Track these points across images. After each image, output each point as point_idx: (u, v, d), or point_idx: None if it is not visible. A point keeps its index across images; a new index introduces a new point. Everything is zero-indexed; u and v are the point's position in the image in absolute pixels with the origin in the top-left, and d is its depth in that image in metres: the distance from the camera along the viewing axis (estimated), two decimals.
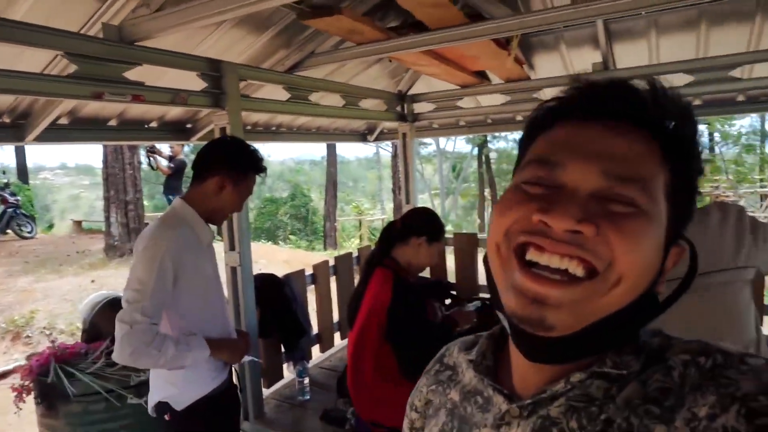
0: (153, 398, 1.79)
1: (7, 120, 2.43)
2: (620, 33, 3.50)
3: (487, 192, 22.37)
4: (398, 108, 4.34)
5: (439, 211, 4.35)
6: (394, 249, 2.06)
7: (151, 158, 7.65)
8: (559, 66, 3.94)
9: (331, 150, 17.25)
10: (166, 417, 1.73)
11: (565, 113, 0.54)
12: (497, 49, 2.96)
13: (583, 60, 3.72)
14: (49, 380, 2.15)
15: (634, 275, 0.48)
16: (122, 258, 8.15)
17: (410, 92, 4.41)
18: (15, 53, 1.99)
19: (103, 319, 2.40)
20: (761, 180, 15.92)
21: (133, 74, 2.12)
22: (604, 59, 3.49)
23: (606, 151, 0.50)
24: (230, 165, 1.84)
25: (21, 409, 2.28)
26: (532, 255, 0.49)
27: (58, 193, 33.35)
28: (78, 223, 12.56)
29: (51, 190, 33.16)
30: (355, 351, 1.96)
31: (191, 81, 2.57)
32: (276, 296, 2.79)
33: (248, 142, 2.00)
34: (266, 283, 2.76)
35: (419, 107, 4.42)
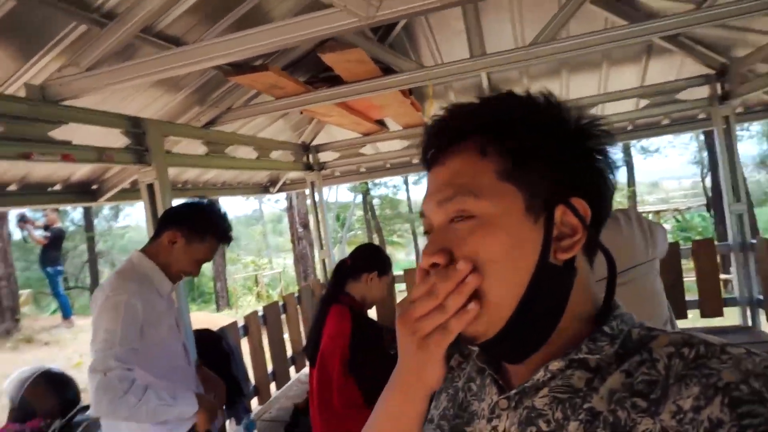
0: None
1: None
2: (499, 81, 4.02)
3: (375, 237, 22.93)
4: (304, 158, 4.49)
5: (329, 261, 4.51)
6: (346, 286, 2.16)
7: (24, 229, 6.92)
8: None
9: None
10: None
11: (426, 165, 0.64)
12: (402, 99, 3.27)
13: None
14: None
15: (495, 285, 0.54)
16: None
17: (314, 143, 4.59)
18: None
19: (35, 395, 2.16)
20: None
21: (57, 133, 2.06)
22: None
23: (436, 185, 0.59)
24: (185, 222, 1.83)
25: None
26: None
27: None
28: None
29: None
30: (319, 386, 2.00)
31: (107, 139, 2.53)
32: (214, 352, 2.72)
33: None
34: (203, 339, 2.68)
35: (324, 156, 4.61)
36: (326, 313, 2.09)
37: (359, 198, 23.77)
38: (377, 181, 24.75)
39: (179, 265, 1.84)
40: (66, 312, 8.10)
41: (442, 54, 3.66)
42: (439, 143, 0.61)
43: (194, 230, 1.82)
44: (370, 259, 2.20)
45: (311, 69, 3.31)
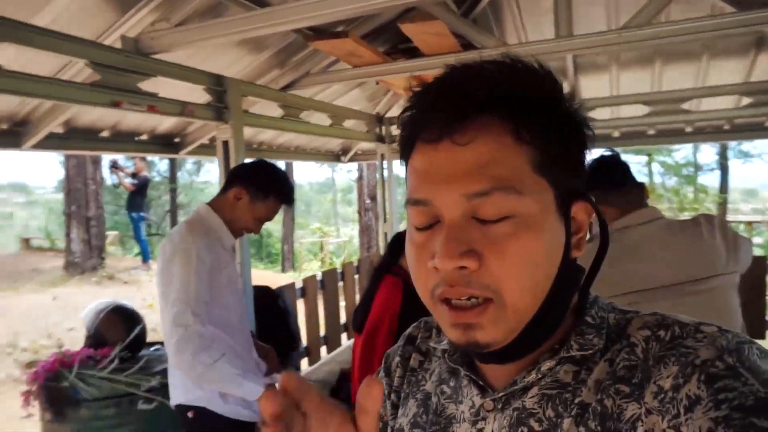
0: (176, 399, 1.82)
1: (4, 126, 2.42)
2: (586, 66, 3.83)
3: None
4: (377, 129, 4.50)
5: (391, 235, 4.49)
6: (401, 258, 2.17)
7: (114, 174, 7.48)
8: None
9: (289, 172, 17.26)
10: (189, 415, 1.76)
11: (414, 134, 0.53)
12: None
13: None
14: (65, 384, 2.12)
15: (528, 288, 0.49)
16: (83, 275, 7.85)
17: (388, 115, 4.59)
18: (28, 58, 2.02)
19: (108, 326, 2.38)
20: (696, 209, 17.09)
21: (145, 85, 2.18)
22: (571, 89, 3.79)
23: (458, 170, 0.49)
24: (251, 180, 1.91)
25: (31, 414, 2.23)
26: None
27: None
28: (26, 241, 11.97)
29: None
30: (363, 354, 2.05)
31: (190, 95, 2.65)
32: (270, 308, 2.84)
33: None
34: (261, 295, 2.81)
35: (396, 129, 4.61)
36: (379, 282, 2.12)
37: None
38: None
39: (242, 221, 1.93)
40: (145, 256, 8.73)
41: (528, 32, 3.51)
42: (447, 114, 0.49)
43: (259, 189, 1.89)
44: None
45: (391, 39, 3.29)
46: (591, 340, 0.53)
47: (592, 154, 0.58)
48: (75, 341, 4.28)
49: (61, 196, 9.17)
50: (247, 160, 2.39)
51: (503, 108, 0.49)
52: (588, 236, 0.56)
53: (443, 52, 2.67)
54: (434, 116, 0.50)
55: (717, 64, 3.61)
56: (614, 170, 1.66)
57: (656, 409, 0.45)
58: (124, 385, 2.19)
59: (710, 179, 18.44)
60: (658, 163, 17.75)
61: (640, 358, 0.50)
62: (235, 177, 1.93)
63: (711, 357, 0.45)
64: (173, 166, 19.05)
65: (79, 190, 7.98)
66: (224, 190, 1.93)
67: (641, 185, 1.65)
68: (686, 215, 16.83)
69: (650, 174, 18.54)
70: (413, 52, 2.95)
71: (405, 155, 0.56)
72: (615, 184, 1.62)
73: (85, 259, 8.04)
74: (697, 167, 18.47)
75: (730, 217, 17.58)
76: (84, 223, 7.98)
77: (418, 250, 0.52)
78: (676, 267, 1.46)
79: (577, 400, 0.51)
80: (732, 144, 16.61)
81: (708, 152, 19.49)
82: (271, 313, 2.83)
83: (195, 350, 1.60)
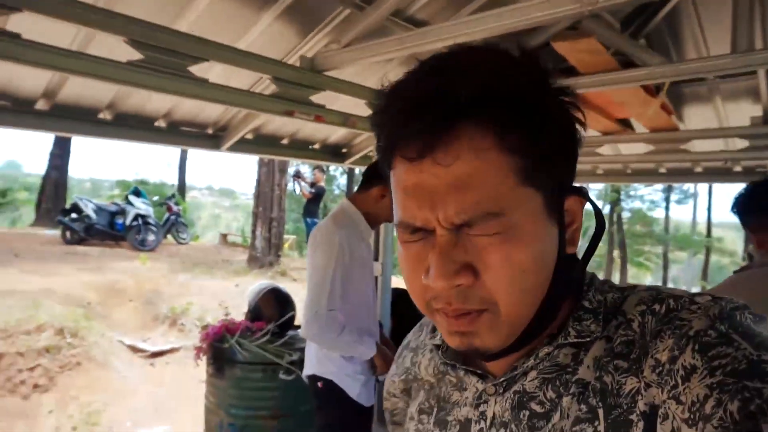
0: (309, 370, 2.09)
1: (210, 131, 2.97)
2: None
3: (616, 253, 21.05)
4: None
5: None
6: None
7: (296, 182, 8.47)
8: (713, 118, 3.82)
9: None
10: (319, 384, 2.00)
11: (392, 145, 0.50)
12: (646, 97, 3.00)
13: (742, 113, 3.58)
14: (226, 345, 2.56)
15: (522, 296, 0.49)
16: (261, 269, 9.05)
17: None
18: (230, 74, 2.48)
19: (265, 304, 2.81)
20: None
21: (316, 98, 2.52)
22: (765, 113, 3.34)
23: (440, 192, 0.47)
24: None
25: (198, 365, 2.76)
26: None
27: (202, 210, 37.32)
28: (224, 236, 14.07)
29: (197, 207, 37.21)
30: None
31: (355, 108, 2.96)
32: (408, 310, 3.00)
33: None
34: (400, 297, 2.98)
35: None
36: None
37: (607, 208, 22.03)
38: (631, 192, 22.51)
39: (383, 215, 2.15)
40: None
41: (710, 50, 3.20)
42: (424, 128, 0.46)
43: None
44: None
45: (551, 62, 3.27)
46: (589, 327, 0.53)
47: None
48: (228, 314, 5.01)
49: None
50: None
51: (485, 112, 0.46)
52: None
53: (600, 71, 2.59)
54: (413, 128, 0.47)
55: None
56: None
57: (655, 382, 0.46)
58: (271, 354, 2.54)
59: None
60: None
61: (636, 333, 0.50)
62: (375, 175, 2.14)
63: (704, 327, 0.46)
64: (350, 181, 20.65)
65: (266, 194, 9.20)
66: (366, 187, 2.15)
67: None
68: None
69: None
70: (571, 72, 2.91)
71: (386, 164, 0.54)
72: None
73: (265, 254, 9.21)
74: None
75: None
76: (267, 223, 9.16)
77: (411, 262, 0.52)
78: None
79: (575, 379, 0.52)
80: None
81: None
82: (407, 314, 2.99)
83: (321, 327, 1.88)
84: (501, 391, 0.56)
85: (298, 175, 8.57)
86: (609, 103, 3.36)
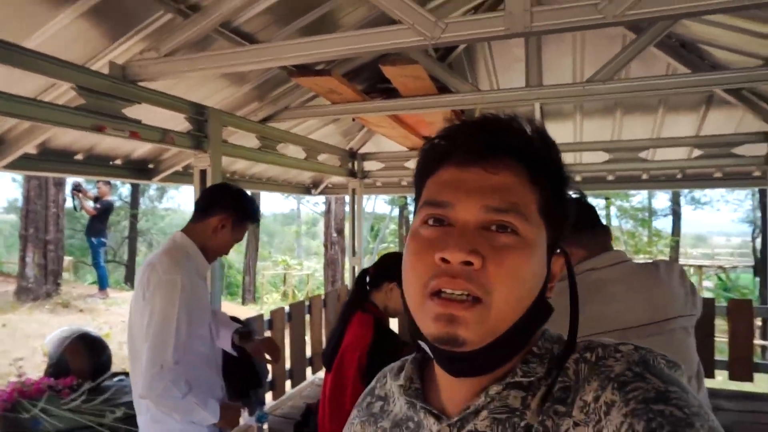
0: (145, 429, 1.79)
1: None
2: (552, 113, 4.04)
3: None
4: (349, 164, 4.59)
5: (359, 269, 4.52)
6: (370, 294, 2.19)
7: (77, 197, 7.28)
8: None
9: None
10: None
11: (446, 157, 0.60)
12: (453, 118, 3.31)
13: None
14: (25, 415, 2.02)
15: (513, 298, 0.55)
16: (36, 302, 7.47)
17: (361, 150, 4.69)
18: (12, 79, 2.02)
19: (72, 354, 2.30)
20: (650, 252, 17.77)
21: (128, 111, 2.20)
22: None
23: (483, 188, 0.57)
24: (236, 209, 1.94)
25: None
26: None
27: None
28: None
29: None
30: (333, 392, 2.04)
31: (169, 122, 2.68)
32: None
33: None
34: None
35: (368, 165, 4.70)
36: (349, 319, 2.13)
37: (396, 211, 23.85)
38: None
39: (221, 247, 1.95)
40: (103, 283, 8.43)
41: (499, 79, 3.71)
42: (484, 144, 0.58)
43: (242, 215, 1.93)
44: (391, 268, 2.17)
45: (370, 78, 3.41)
46: (534, 368, 0.59)
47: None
48: (23, 372, 4.08)
49: (12, 216, 8.83)
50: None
51: (524, 155, 0.59)
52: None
53: (420, 94, 2.79)
54: (471, 147, 0.58)
55: (672, 117, 3.89)
56: (583, 211, 1.72)
57: (582, 420, 0.52)
58: (89, 416, 2.12)
59: (664, 224, 19.27)
60: (615, 207, 18.47)
61: (572, 379, 0.57)
62: (215, 204, 1.94)
63: (623, 370, 0.53)
64: (135, 192, 18.65)
65: (38, 212, 7.69)
66: (203, 216, 1.93)
67: (607, 228, 1.72)
68: (642, 257, 17.51)
69: (608, 217, 19.25)
70: (391, 92, 3.07)
71: (428, 172, 0.62)
72: (584, 225, 1.69)
73: (40, 285, 7.68)
74: (652, 212, 19.30)
75: (681, 261, 18.31)
76: (41, 247, 7.67)
77: (424, 243, 0.58)
78: (640, 309, 1.53)
79: (523, 423, 0.56)
80: (684, 191, 17.48)
81: (662, 198, 20.42)
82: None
83: (166, 386, 1.63)
84: (455, 431, 0.59)
85: (78, 189, 7.33)
86: (420, 122, 3.64)
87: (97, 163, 2.97)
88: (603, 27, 1.56)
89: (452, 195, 0.58)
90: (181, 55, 2.14)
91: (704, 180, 4.31)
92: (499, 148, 0.58)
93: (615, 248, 1.70)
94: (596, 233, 1.67)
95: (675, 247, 17.14)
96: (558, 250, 0.62)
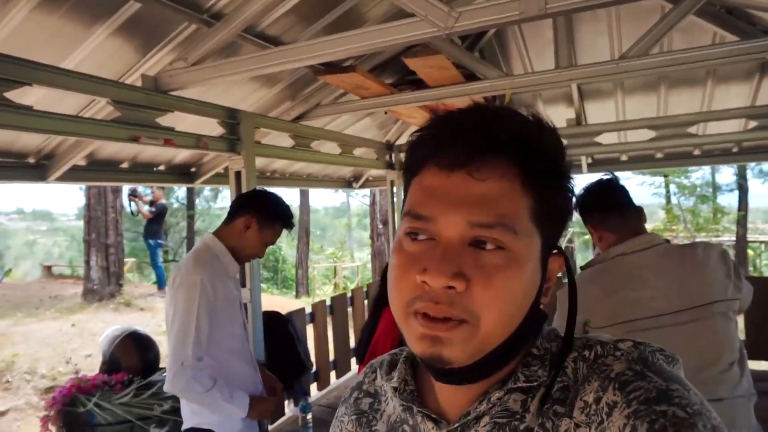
0: (187, 423, 1.89)
1: (31, 161, 2.55)
2: (591, 93, 3.89)
3: None
4: (386, 157, 4.60)
5: None
6: None
7: (133, 202, 7.67)
8: None
9: (305, 198, 17.42)
10: None
11: (429, 157, 0.55)
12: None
13: (559, 116, 4.09)
14: (82, 409, 2.19)
15: (502, 319, 0.52)
16: (101, 302, 7.98)
17: (398, 142, 4.69)
18: (57, 97, 2.15)
19: (123, 352, 2.46)
20: (716, 230, 16.85)
21: (163, 120, 2.30)
22: (577, 116, 3.86)
23: (468, 199, 0.51)
24: (259, 209, 2.01)
25: None
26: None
27: (12, 238, 32.15)
28: (48, 268, 12.22)
29: (5, 235, 31.97)
30: None
31: (205, 127, 2.78)
32: (281, 333, 2.90)
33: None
34: (271, 320, 2.87)
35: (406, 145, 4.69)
36: (379, 312, 2.16)
37: None
38: None
39: (250, 248, 2.01)
40: (161, 283, 8.85)
41: (533, 62, 3.60)
42: (469, 147, 0.52)
43: (267, 216, 1.99)
44: None
45: (399, 71, 3.40)
46: (536, 372, 0.56)
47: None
48: (93, 367, 4.38)
49: (82, 223, 9.40)
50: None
51: (516, 153, 0.53)
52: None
53: (447, 84, 2.76)
54: (455, 145, 0.53)
55: (722, 88, 3.66)
56: (613, 194, 1.65)
57: (584, 422, 0.51)
58: (139, 409, 2.26)
59: (729, 199, 18.18)
60: (674, 185, 17.61)
61: (571, 378, 0.55)
62: (241, 207, 2.01)
63: (623, 369, 0.51)
64: (191, 194, 19.38)
65: (99, 218, 8.17)
66: (231, 219, 2.00)
67: (639, 210, 1.65)
68: (703, 236, 16.63)
69: (667, 195, 18.39)
70: (420, 84, 3.05)
71: (412, 171, 0.58)
72: (614, 208, 1.63)
73: (104, 286, 8.18)
74: (716, 187, 18.26)
75: (750, 237, 17.29)
76: (103, 251, 8.15)
77: (407, 260, 0.54)
78: (673, 295, 1.47)
79: (522, 427, 0.54)
80: (751, 164, 16.43)
81: (727, 172, 19.26)
82: (281, 338, 2.89)
83: (188, 381, 1.70)
84: None
85: (134, 195, 7.72)
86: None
87: (142, 170, 3.12)
88: (620, 3, 1.49)
89: (434, 207, 0.53)
90: (209, 63, 2.21)
91: (763, 152, 4.06)
92: (487, 145, 0.52)
93: (651, 232, 1.64)
94: (626, 216, 1.62)
95: (742, 223, 16.15)
96: (555, 251, 0.58)
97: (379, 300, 2.27)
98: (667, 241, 1.61)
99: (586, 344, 0.56)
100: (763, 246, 17.99)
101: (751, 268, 16.75)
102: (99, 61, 2.09)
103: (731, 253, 16.73)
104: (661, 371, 0.50)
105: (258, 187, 2.60)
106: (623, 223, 1.61)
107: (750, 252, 17.04)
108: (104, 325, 6.67)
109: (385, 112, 3.70)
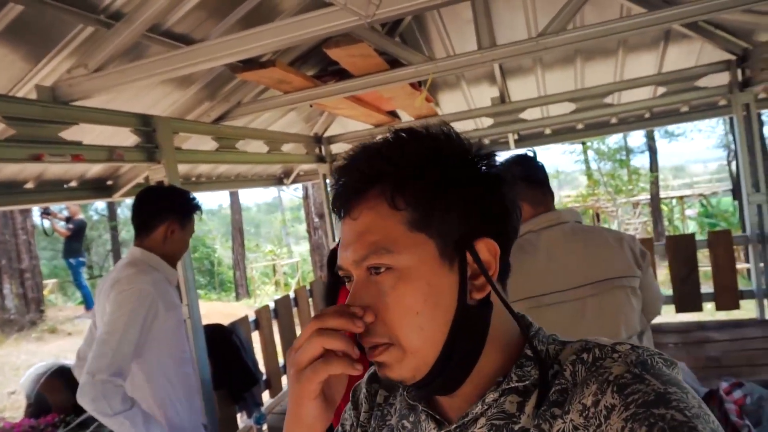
0: None
1: None
2: (513, 70, 3.96)
3: None
4: (316, 150, 4.50)
5: None
6: None
7: (46, 220, 7.07)
8: (462, 102, 4.35)
9: (235, 197, 16.91)
10: None
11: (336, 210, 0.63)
12: (411, 91, 3.24)
13: (483, 96, 4.14)
14: None
15: (416, 333, 0.56)
16: (21, 332, 7.34)
17: (326, 134, 4.59)
18: None
19: (50, 390, 2.24)
20: (631, 190, 17.97)
21: (67, 134, 2.09)
22: (501, 94, 3.92)
23: (351, 240, 0.58)
24: (176, 211, 1.90)
25: None
26: None
27: None
28: None
29: None
30: None
31: (118, 136, 2.57)
32: (225, 346, 2.77)
33: None
34: (214, 333, 2.73)
35: (336, 148, 4.61)
36: (335, 299, 2.10)
37: None
38: None
39: (180, 250, 1.95)
40: (89, 303, 8.28)
41: (454, 44, 3.61)
42: (345, 195, 0.60)
43: (184, 214, 1.91)
44: None
45: (320, 63, 3.30)
46: (529, 372, 0.58)
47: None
48: (18, 405, 4.02)
49: None
50: None
51: (382, 182, 0.58)
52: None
53: (372, 72, 2.70)
54: (339, 197, 0.61)
55: (632, 58, 3.83)
56: (539, 169, 1.67)
57: (582, 425, 0.51)
58: None
59: (642, 160, 19.42)
60: (592, 151, 18.56)
61: (569, 381, 0.55)
62: (155, 214, 1.87)
63: (622, 372, 0.51)
64: (111, 204, 18.28)
65: (8, 242, 7.49)
66: (149, 229, 1.86)
67: (551, 191, 1.68)
68: (623, 198, 17.72)
69: (586, 161, 19.37)
70: (344, 73, 2.97)
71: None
72: (537, 183, 1.64)
73: (22, 314, 7.54)
74: (629, 151, 19.44)
75: (662, 194, 18.57)
76: (17, 276, 7.49)
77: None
78: (578, 269, 1.50)
79: (517, 428, 0.55)
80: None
81: (637, 135, 20.55)
82: (226, 351, 2.76)
83: (94, 398, 1.53)
84: None
85: (46, 213, 7.10)
86: (379, 99, 3.55)
87: (51, 189, 2.84)
88: None
89: (341, 256, 0.60)
90: (113, 68, 2.03)
91: (672, 116, 4.30)
92: (358, 185, 0.59)
93: (557, 209, 1.65)
94: (545, 193, 1.64)
95: (655, 182, 17.32)
96: (478, 239, 0.58)
97: (332, 287, 2.21)
98: (579, 222, 1.63)
99: (584, 347, 0.57)
100: (674, 201, 19.41)
101: (666, 223, 18.03)
102: None
103: (647, 210, 17.98)
104: (660, 374, 0.50)
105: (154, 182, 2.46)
106: (542, 198, 1.63)
107: (664, 207, 18.33)
108: (28, 357, 6.17)
109: (311, 105, 3.59)
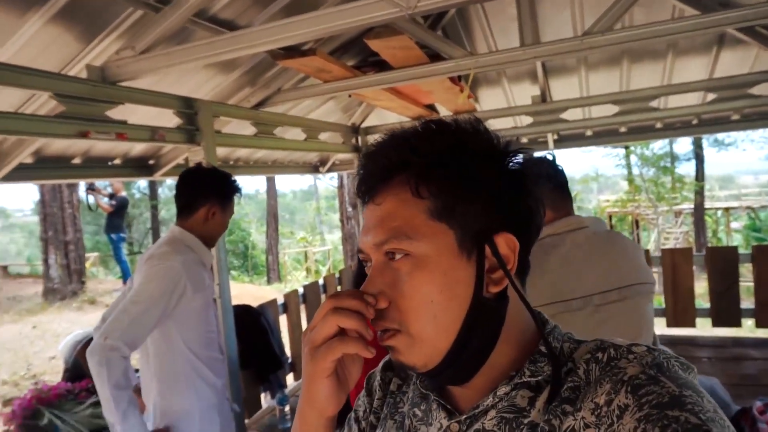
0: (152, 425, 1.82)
1: None
2: (555, 69, 3.88)
3: None
4: (353, 140, 4.52)
5: None
6: None
7: (91, 196, 7.36)
8: (502, 99, 4.29)
9: (271, 183, 17.17)
10: None
11: (359, 195, 0.65)
12: (450, 85, 3.21)
13: (524, 93, 4.08)
14: (44, 422, 2.07)
15: (429, 322, 0.57)
16: (63, 301, 7.68)
17: (363, 125, 4.61)
18: None
19: (85, 358, 2.34)
20: (674, 198, 17.39)
21: (113, 113, 2.17)
22: (542, 92, 3.85)
23: (373, 224, 0.59)
24: (218, 193, 1.95)
25: None
26: None
27: None
28: (4, 268, 11.71)
29: None
30: None
31: (161, 118, 2.64)
32: (253, 327, 2.83)
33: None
34: (243, 315, 2.80)
35: (372, 139, 4.62)
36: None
37: None
38: None
39: (218, 232, 2.01)
40: (126, 277, 8.61)
41: (497, 40, 3.56)
42: (371, 181, 0.62)
43: (225, 197, 1.97)
44: None
45: (360, 53, 3.31)
46: (542, 368, 0.58)
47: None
48: (58, 369, 4.22)
49: (39, 218, 9.03)
50: None
51: (408, 170, 0.59)
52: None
53: (411, 64, 2.69)
54: (364, 182, 0.63)
55: (682, 62, 3.70)
56: (561, 172, 1.64)
57: (593, 423, 0.51)
58: (104, 420, 2.16)
59: (687, 168, 18.75)
60: (636, 156, 18.03)
61: (582, 379, 0.56)
62: (197, 197, 1.93)
63: (636, 372, 0.51)
64: (153, 183, 18.84)
65: (55, 215, 7.83)
66: (191, 210, 1.93)
67: (571, 196, 1.65)
68: (664, 206, 17.14)
69: (628, 166, 18.82)
70: (383, 65, 2.97)
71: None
72: (560, 185, 1.62)
73: (65, 284, 7.89)
74: (674, 158, 18.80)
75: (707, 204, 17.92)
76: (62, 248, 7.83)
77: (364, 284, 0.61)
78: (602, 275, 1.48)
79: (527, 421, 0.56)
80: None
81: (684, 142, 19.83)
82: (254, 332, 2.82)
83: (99, 361, 1.55)
84: (464, 428, 0.60)
85: (92, 188, 7.38)
86: (418, 92, 3.53)
87: (96, 165, 2.96)
88: None
89: (361, 240, 0.62)
90: (159, 50, 2.08)
91: (722, 124, 4.13)
92: (383, 173, 0.60)
93: (577, 215, 1.63)
94: (565, 198, 1.62)
95: (700, 192, 16.70)
96: (497, 233, 0.59)
97: (359, 276, 2.23)
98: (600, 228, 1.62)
99: (600, 346, 0.57)
100: (720, 212, 18.68)
101: (710, 234, 17.39)
102: (36, 51, 1.94)
103: (689, 220, 17.37)
104: (676, 377, 0.50)
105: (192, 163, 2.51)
106: (563, 202, 1.61)
107: (708, 219, 17.67)
108: (68, 325, 6.46)
109: (349, 95, 3.61)
